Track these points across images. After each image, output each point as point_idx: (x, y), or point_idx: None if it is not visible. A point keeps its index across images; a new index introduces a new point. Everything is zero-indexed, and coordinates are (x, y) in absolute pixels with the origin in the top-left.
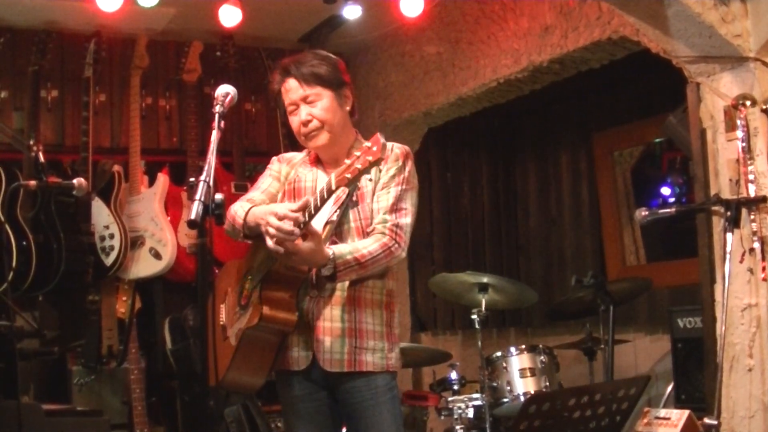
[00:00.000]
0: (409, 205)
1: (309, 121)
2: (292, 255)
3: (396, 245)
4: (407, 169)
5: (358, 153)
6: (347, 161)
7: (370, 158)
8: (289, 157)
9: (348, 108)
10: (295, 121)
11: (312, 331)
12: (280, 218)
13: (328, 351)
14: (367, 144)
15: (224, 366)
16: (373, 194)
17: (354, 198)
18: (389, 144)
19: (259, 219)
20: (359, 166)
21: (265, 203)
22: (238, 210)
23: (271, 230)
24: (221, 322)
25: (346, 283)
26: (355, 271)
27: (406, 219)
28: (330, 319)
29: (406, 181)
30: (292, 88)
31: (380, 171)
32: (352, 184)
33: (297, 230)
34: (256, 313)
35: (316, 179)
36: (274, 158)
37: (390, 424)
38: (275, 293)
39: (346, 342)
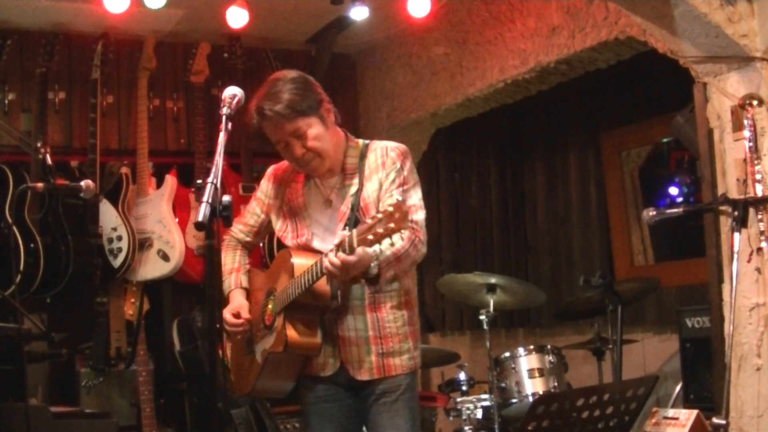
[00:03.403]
0: (416, 200)
1: (304, 155)
2: (348, 269)
3: (417, 239)
4: (406, 168)
5: (380, 216)
6: (369, 221)
7: (392, 226)
8: (281, 174)
9: (332, 120)
10: (288, 158)
11: (336, 340)
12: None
13: (356, 361)
14: (390, 209)
15: (250, 377)
16: (378, 202)
17: (358, 212)
18: (383, 144)
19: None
20: (381, 231)
21: (248, 238)
22: (226, 265)
23: (228, 327)
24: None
25: (365, 290)
26: (393, 266)
27: (418, 215)
28: (354, 329)
29: (406, 180)
30: (275, 129)
31: (384, 176)
32: (372, 246)
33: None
34: (280, 340)
35: (309, 193)
36: (268, 173)
37: (407, 419)
38: (298, 322)
39: (372, 349)
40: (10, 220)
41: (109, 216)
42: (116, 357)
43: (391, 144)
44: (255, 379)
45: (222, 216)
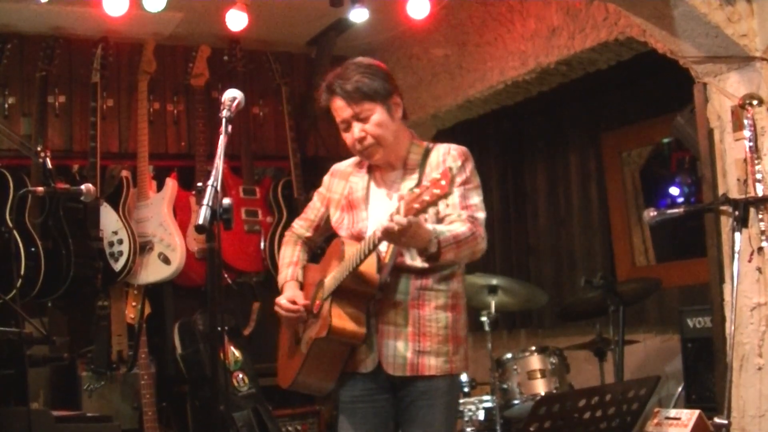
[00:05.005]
0: (476, 201)
1: (363, 138)
2: (403, 233)
3: (478, 233)
4: (468, 168)
5: (427, 183)
6: (416, 190)
7: (438, 192)
8: (344, 168)
9: (399, 116)
10: (348, 137)
11: (375, 333)
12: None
13: (391, 355)
14: (436, 176)
15: (293, 368)
16: None
17: None
18: (446, 145)
19: (280, 300)
20: (427, 199)
21: (308, 233)
22: (284, 258)
23: (282, 311)
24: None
25: (410, 286)
26: (453, 249)
27: (479, 214)
28: (394, 323)
29: (468, 180)
30: (340, 107)
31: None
32: (419, 214)
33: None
34: (324, 325)
35: (368, 186)
36: (331, 169)
37: (441, 425)
38: (345, 308)
39: (409, 346)
40: (10, 224)
41: (109, 219)
42: (118, 360)
43: (453, 145)
44: (298, 369)
45: (222, 219)
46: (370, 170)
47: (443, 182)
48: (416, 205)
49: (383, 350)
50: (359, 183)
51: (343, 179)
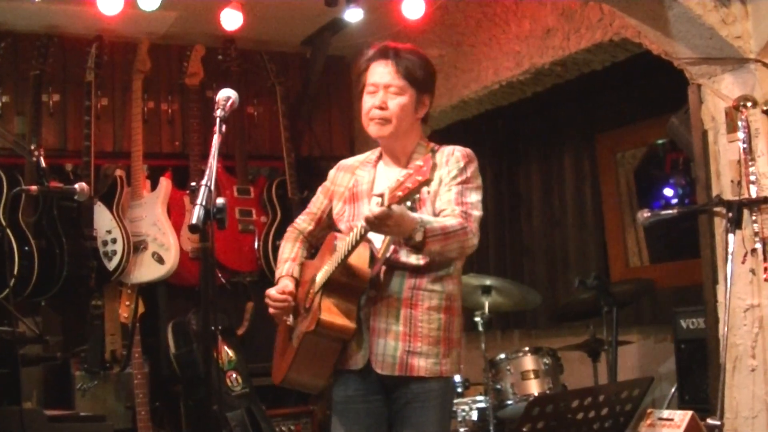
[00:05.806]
0: (474, 200)
1: (382, 108)
2: (385, 221)
3: (469, 228)
4: (470, 170)
5: (410, 171)
6: (399, 178)
7: (420, 178)
8: (351, 163)
9: (420, 114)
10: (368, 101)
11: (368, 331)
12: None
13: (381, 353)
14: (419, 163)
15: (286, 365)
16: (435, 197)
17: (412, 204)
18: (450, 147)
19: (269, 291)
20: (410, 186)
21: (310, 227)
22: (283, 254)
23: (270, 302)
24: (289, 322)
25: (405, 285)
26: (440, 240)
27: (474, 211)
28: (386, 321)
29: (468, 180)
30: (381, 72)
31: (446, 173)
32: (403, 202)
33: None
34: (314, 318)
35: (373, 180)
36: (337, 165)
37: (434, 427)
38: (335, 301)
39: (400, 346)
40: (4, 223)
41: (103, 219)
42: (111, 360)
43: (458, 147)
44: (289, 365)
45: (216, 219)
46: (377, 166)
47: (425, 169)
48: (399, 193)
49: (373, 348)
50: (365, 177)
51: (349, 172)
